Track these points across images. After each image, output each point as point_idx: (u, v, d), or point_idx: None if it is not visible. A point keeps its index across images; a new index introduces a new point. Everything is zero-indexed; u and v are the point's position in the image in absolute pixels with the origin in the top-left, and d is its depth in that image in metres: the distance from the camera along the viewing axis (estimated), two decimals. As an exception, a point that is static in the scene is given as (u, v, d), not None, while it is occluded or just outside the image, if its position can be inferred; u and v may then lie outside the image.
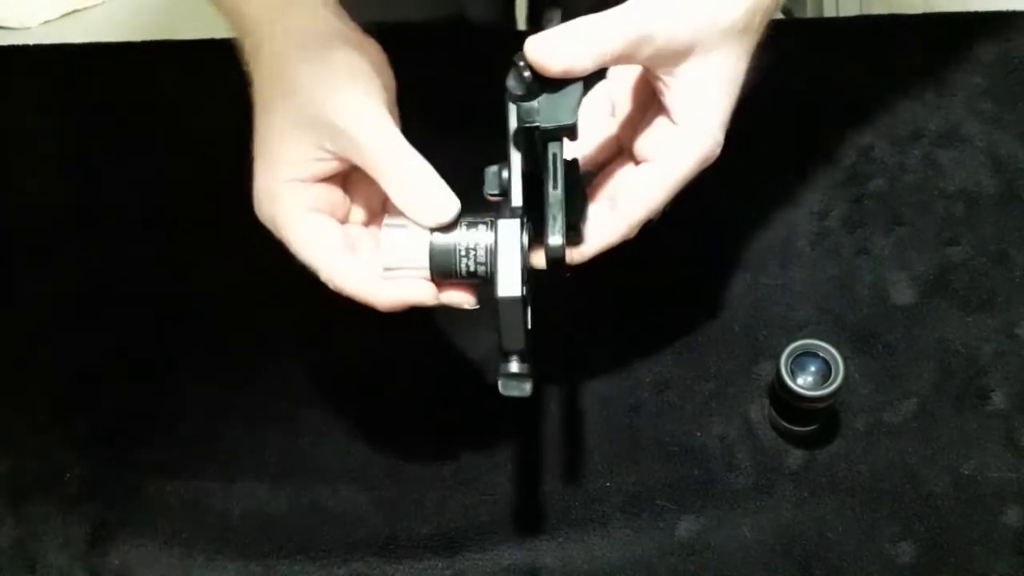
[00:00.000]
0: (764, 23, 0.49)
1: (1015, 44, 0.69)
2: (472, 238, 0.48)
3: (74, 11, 1.55)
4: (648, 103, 0.52)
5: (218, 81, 0.73)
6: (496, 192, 0.49)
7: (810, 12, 1.42)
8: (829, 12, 1.39)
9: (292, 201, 0.48)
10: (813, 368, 0.55)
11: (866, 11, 1.39)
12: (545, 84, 0.46)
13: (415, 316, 0.59)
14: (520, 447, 0.60)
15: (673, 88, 0.48)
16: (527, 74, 0.46)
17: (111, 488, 0.61)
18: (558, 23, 0.48)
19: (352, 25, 0.51)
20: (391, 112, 0.49)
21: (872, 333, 0.61)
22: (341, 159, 0.48)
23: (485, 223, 0.48)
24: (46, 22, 1.51)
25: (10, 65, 0.77)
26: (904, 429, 0.58)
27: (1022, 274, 0.62)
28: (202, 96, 0.73)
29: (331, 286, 0.49)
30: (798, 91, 0.56)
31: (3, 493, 0.61)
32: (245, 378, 0.63)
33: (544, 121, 0.46)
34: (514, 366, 0.47)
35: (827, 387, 0.54)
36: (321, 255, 0.48)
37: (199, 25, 0.66)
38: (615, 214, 0.50)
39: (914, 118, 0.67)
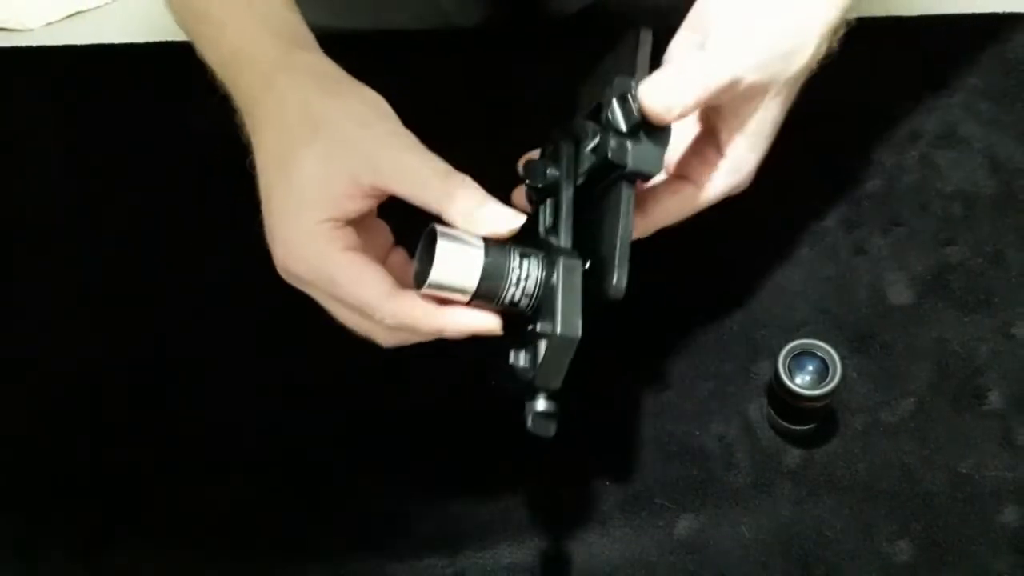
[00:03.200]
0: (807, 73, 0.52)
1: (1013, 45, 0.70)
2: (526, 268, 0.46)
3: (76, 13, 1.55)
4: (698, 127, 0.54)
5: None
6: (541, 186, 0.48)
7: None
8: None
9: (334, 241, 0.46)
10: (811, 368, 0.55)
11: (864, 13, 1.39)
12: (647, 126, 0.47)
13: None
14: (519, 446, 0.60)
15: (731, 125, 0.51)
16: (635, 112, 0.46)
17: (112, 488, 0.61)
18: (648, 47, 0.49)
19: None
20: None
21: (870, 333, 0.61)
22: (374, 195, 0.47)
23: (537, 256, 0.46)
24: (48, 24, 1.51)
25: (12, 66, 0.77)
26: (901, 428, 0.58)
27: (1019, 274, 0.62)
28: (202, 96, 0.73)
29: (387, 322, 0.46)
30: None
31: (3, 493, 0.61)
32: (246, 377, 0.63)
33: (634, 164, 0.46)
34: (543, 404, 0.46)
35: (825, 386, 0.54)
36: (374, 292, 0.46)
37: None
38: (644, 221, 0.52)
39: (912, 119, 0.68)
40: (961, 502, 0.56)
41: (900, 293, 0.62)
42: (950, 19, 0.71)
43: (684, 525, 0.57)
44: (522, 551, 0.57)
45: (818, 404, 0.55)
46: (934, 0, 0.82)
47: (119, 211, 0.70)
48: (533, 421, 0.46)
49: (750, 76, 0.49)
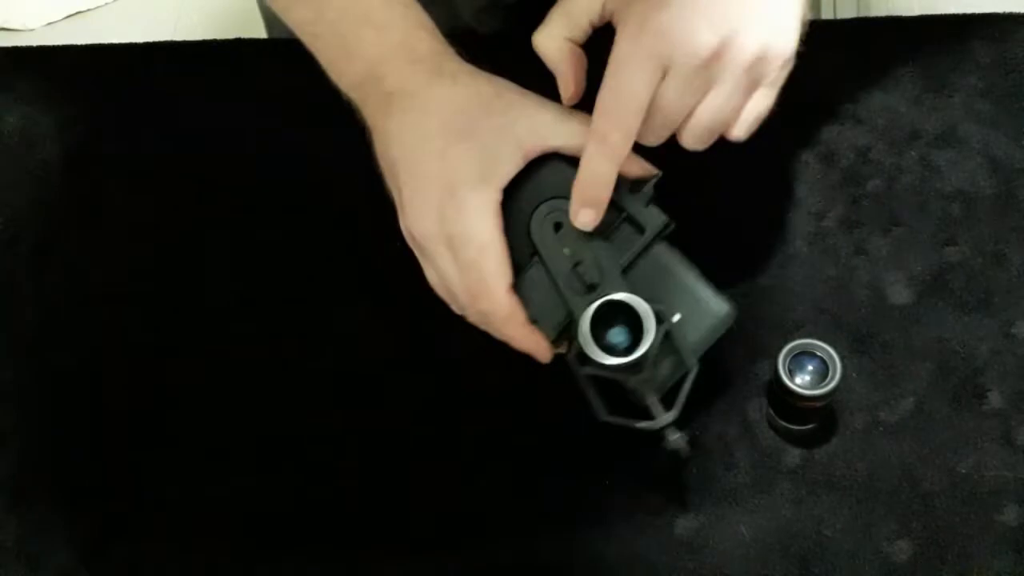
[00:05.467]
0: None
1: (1012, 45, 0.70)
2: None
3: (77, 13, 1.55)
4: None
5: (218, 81, 0.74)
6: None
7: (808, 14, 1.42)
8: (827, 14, 1.39)
9: (498, 217, 0.52)
10: (811, 367, 0.55)
11: (863, 13, 1.39)
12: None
13: (415, 316, 0.60)
14: (519, 446, 0.60)
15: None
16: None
17: (112, 488, 0.61)
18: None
19: None
20: None
21: (869, 333, 0.61)
22: (532, 156, 0.52)
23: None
24: (49, 24, 1.51)
25: (12, 66, 0.77)
26: (901, 428, 0.58)
27: (1019, 274, 0.62)
28: (202, 96, 0.73)
29: (490, 312, 0.53)
30: (795, 92, 0.57)
31: (5, 493, 0.61)
32: (246, 377, 0.63)
33: (650, 228, 0.53)
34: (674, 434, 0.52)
35: (824, 386, 0.54)
36: (499, 284, 0.52)
37: (200, 26, 0.66)
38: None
39: (911, 119, 0.68)
40: (961, 502, 0.56)
41: (900, 293, 0.62)
42: (950, 19, 0.71)
43: (684, 525, 0.57)
44: (522, 551, 0.57)
45: (818, 404, 0.55)
46: (934, 0, 0.82)
47: (119, 211, 0.70)
48: (676, 447, 0.52)
49: None
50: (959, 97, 0.68)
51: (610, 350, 0.50)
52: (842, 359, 0.54)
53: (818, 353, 0.55)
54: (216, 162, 0.69)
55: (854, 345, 0.61)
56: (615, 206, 0.52)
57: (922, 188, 0.65)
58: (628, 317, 0.50)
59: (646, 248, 0.53)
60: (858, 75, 0.68)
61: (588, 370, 0.51)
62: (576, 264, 0.53)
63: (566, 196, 0.52)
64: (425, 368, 0.62)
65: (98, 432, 0.62)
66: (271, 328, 0.65)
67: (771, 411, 0.58)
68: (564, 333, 0.54)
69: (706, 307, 0.53)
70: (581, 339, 0.50)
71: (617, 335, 0.51)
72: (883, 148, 0.67)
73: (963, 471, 0.57)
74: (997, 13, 0.71)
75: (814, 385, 0.54)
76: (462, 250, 0.52)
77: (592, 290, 0.52)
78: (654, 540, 0.56)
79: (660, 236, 0.53)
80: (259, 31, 0.80)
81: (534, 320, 0.54)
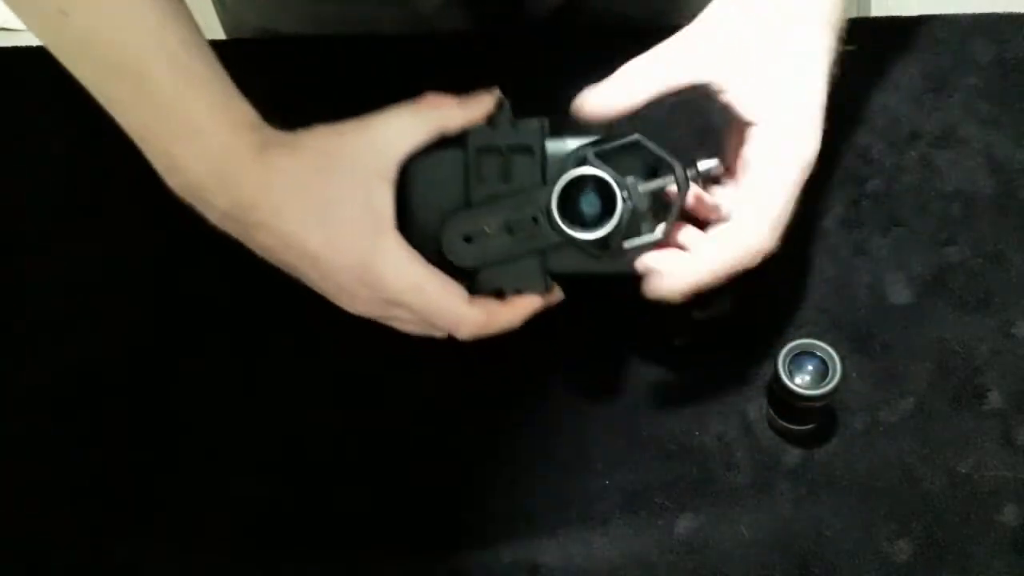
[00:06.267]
0: None
1: (1012, 45, 0.70)
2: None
3: (75, 13, 1.55)
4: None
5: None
6: None
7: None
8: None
9: (415, 256, 0.52)
10: (811, 367, 0.55)
11: (863, 13, 1.39)
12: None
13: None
14: (520, 445, 0.60)
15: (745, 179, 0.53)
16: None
17: (112, 488, 0.61)
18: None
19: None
20: None
21: (869, 333, 0.61)
22: (391, 175, 0.52)
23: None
24: (48, 24, 1.51)
25: (12, 66, 0.77)
26: (901, 428, 0.58)
27: (1019, 274, 0.62)
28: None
29: (470, 324, 0.53)
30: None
31: (4, 493, 0.61)
32: (247, 377, 0.63)
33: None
34: None
35: (824, 386, 0.54)
36: (456, 299, 0.52)
37: (199, 26, 0.66)
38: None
39: (911, 119, 0.68)
40: (961, 502, 0.56)
41: (900, 293, 0.62)
42: (950, 19, 0.71)
43: (684, 525, 0.57)
44: (522, 551, 0.57)
45: (818, 404, 0.55)
46: (934, 0, 0.82)
47: (119, 211, 0.70)
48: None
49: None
50: (959, 97, 0.68)
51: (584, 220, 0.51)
52: (842, 359, 0.54)
53: (818, 353, 0.55)
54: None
55: (854, 345, 0.61)
56: (492, 150, 0.53)
57: (922, 188, 0.65)
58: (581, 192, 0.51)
59: (543, 153, 0.53)
60: (858, 75, 0.68)
61: (580, 237, 0.51)
62: (509, 221, 0.53)
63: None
64: (425, 368, 0.62)
65: (98, 432, 0.62)
66: (271, 327, 0.65)
67: (771, 411, 0.58)
68: (550, 278, 0.54)
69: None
70: (557, 217, 0.51)
71: (587, 205, 0.52)
72: (883, 148, 0.67)
73: (963, 471, 0.57)
74: (997, 13, 0.71)
75: (814, 385, 0.54)
76: (405, 303, 0.52)
77: (536, 221, 0.52)
78: (654, 540, 0.56)
79: (545, 135, 0.53)
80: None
81: (518, 290, 0.54)
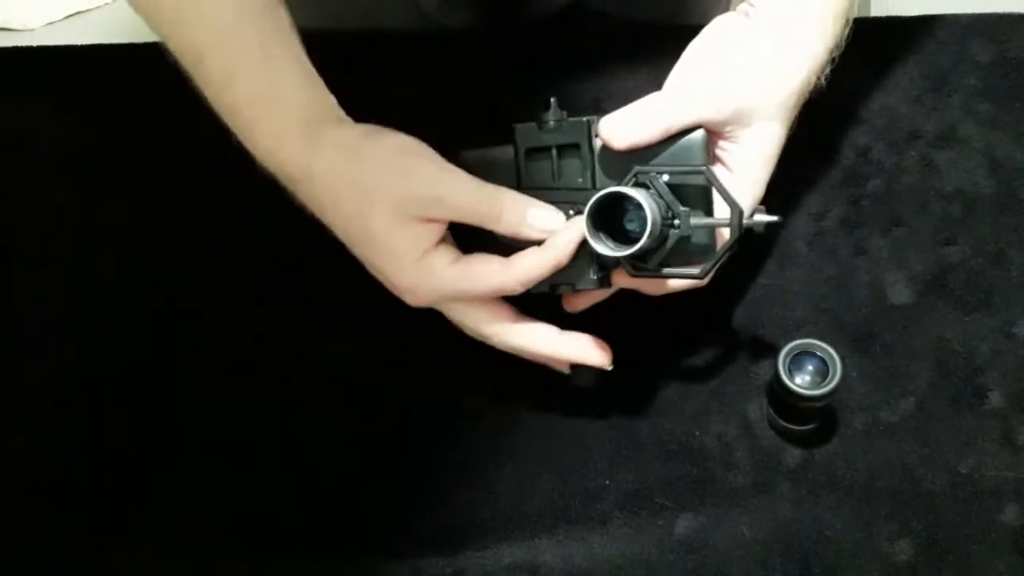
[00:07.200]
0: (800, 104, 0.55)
1: (1011, 45, 0.70)
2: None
3: (77, 13, 1.55)
4: None
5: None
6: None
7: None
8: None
9: (442, 265, 0.52)
10: (811, 367, 0.55)
11: (863, 13, 1.39)
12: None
13: (417, 316, 0.60)
14: (520, 445, 0.60)
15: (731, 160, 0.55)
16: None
17: (112, 488, 0.61)
18: None
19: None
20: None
21: (870, 333, 0.61)
22: (445, 220, 0.52)
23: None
24: (49, 24, 1.51)
25: (12, 66, 0.77)
26: (902, 428, 0.58)
27: (1019, 274, 0.62)
28: (203, 97, 0.73)
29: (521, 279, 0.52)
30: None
31: (4, 493, 0.61)
32: (246, 377, 0.63)
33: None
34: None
35: (825, 386, 0.54)
36: (494, 272, 0.52)
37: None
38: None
39: (911, 119, 0.68)
40: (962, 502, 0.56)
41: (900, 293, 0.62)
42: (950, 19, 0.71)
43: (684, 525, 0.57)
44: (522, 551, 0.57)
45: (818, 404, 0.55)
46: (934, 0, 0.82)
47: (119, 211, 0.70)
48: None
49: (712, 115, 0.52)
50: (959, 97, 0.68)
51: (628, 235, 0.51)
52: (842, 359, 0.54)
53: (818, 353, 0.55)
54: (216, 161, 0.69)
55: (854, 345, 0.61)
56: (541, 150, 0.54)
57: (922, 188, 0.65)
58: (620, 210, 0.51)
59: (591, 153, 0.54)
60: (858, 75, 0.68)
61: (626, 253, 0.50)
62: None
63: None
64: (425, 368, 0.62)
65: (98, 432, 0.62)
66: (271, 327, 0.65)
67: (771, 411, 0.58)
68: (600, 270, 0.54)
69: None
70: (593, 238, 0.50)
71: (629, 222, 0.52)
72: (883, 148, 0.67)
73: (963, 471, 0.57)
74: (997, 13, 0.71)
75: (814, 385, 0.54)
76: (453, 299, 0.54)
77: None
78: (654, 540, 0.56)
79: (592, 134, 0.53)
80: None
81: (572, 284, 0.54)
